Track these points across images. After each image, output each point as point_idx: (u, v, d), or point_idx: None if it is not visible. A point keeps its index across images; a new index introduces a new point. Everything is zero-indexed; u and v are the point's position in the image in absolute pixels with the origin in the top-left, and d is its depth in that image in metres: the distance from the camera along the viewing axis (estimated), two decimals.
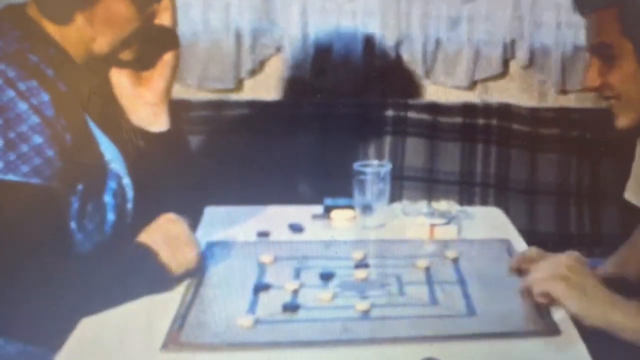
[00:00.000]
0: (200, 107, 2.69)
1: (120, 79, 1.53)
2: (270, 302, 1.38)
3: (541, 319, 1.31)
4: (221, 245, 1.60)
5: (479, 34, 2.78)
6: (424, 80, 2.81)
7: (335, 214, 1.83)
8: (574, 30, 2.76)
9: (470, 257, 1.59)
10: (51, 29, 1.42)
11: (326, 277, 1.47)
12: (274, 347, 1.23)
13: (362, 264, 1.55)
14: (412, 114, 2.71)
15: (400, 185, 2.65)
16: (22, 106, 1.32)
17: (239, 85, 2.81)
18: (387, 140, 2.70)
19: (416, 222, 1.74)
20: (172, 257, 1.38)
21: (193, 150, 1.80)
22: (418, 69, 2.78)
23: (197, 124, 2.66)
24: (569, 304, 1.30)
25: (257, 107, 2.71)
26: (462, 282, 1.47)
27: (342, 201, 1.85)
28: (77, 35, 1.42)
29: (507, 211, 2.02)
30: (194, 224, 1.49)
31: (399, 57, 2.78)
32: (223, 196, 1.78)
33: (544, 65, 2.79)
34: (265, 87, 2.82)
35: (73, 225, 1.38)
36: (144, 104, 1.53)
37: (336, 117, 2.69)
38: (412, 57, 2.78)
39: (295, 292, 1.42)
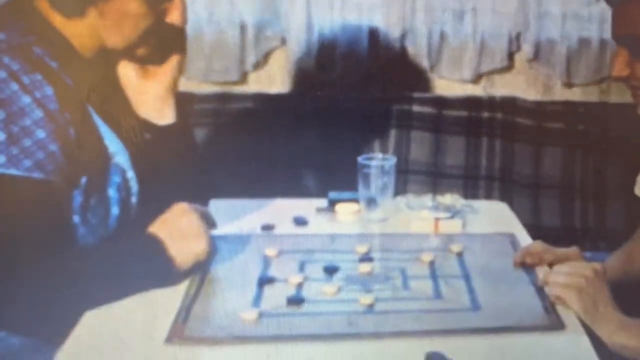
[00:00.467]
0: (204, 100, 2.69)
1: (127, 72, 1.53)
2: (275, 296, 1.38)
3: (546, 314, 1.31)
4: (225, 239, 1.60)
5: (484, 27, 2.77)
6: (429, 74, 2.80)
7: (339, 207, 1.83)
8: (579, 23, 2.75)
9: (474, 251, 1.59)
10: (58, 22, 1.41)
11: (330, 270, 1.47)
12: (278, 340, 1.23)
13: (366, 258, 1.55)
14: (416, 108, 2.71)
15: (404, 178, 2.65)
16: (26, 100, 1.32)
17: (243, 78, 2.81)
18: (392, 133, 2.69)
19: (420, 216, 1.74)
20: (179, 250, 1.38)
21: (198, 143, 1.80)
22: (423, 62, 2.77)
23: (201, 117, 2.66)
24: (580, 316, 1.32)
25: (262, 100, 2.70)
26: (466, 276, 1.46)
27: (346, 195, 1.85)
28: (88, 30, 1.42)
29: (512, 205, 2.02)
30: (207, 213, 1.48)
31: (403, 51, 2.78)
32: (227, 189, 1.78)
33: (549, 59, 2.78)
34: (270, 80, 2.82)
35: (76, 219, 1.38)
36: (151, 96, 1.53)
37: (341, 111, 2.68)
38: (416, 51, 2.77)
39: (299, 286, 1.42)
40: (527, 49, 2.79)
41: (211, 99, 2.70)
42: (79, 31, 1.42)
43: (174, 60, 1.54)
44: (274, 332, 1.25)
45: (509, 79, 2.82)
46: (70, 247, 1.37)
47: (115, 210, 1.45)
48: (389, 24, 2.75)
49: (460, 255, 1.57)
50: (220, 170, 1.87)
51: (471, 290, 1.40)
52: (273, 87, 2.80)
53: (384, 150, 2.66)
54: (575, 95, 2.82)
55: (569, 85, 2.81)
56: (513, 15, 2.76)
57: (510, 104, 2.72)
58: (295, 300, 1.36)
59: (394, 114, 2.70)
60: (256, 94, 2.73)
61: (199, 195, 1.62)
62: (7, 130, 1.29)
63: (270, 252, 1.55)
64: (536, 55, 2.78)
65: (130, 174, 1.46)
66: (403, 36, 2.76)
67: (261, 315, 1.30)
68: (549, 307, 1.33)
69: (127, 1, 1.42)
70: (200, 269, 1.43)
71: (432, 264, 1.52)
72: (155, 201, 1.47)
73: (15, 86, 1.32)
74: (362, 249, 1.59)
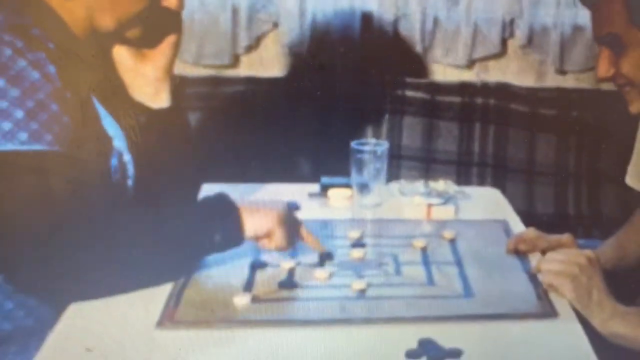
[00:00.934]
0: (196, 84, 2.68)
1: (122, 55, 1.51)
2: (267, 281, 1.37)
3: (539, 301, 1.30)
4: None
5: (478, 13, 2.76)
6: (422, 59, 2.79)
7: (332, 192, 1.82)
8: (573, 10, 2.74)
9: (467, 237, 1.59)
10: (55, 2, 1.40)
11: (325, 257, 1.46)
12: (270, 325, 1.23)
13: (358, 244, 1.54)
14: (409, 93, 2.70)
15: (397, 164, 2.64)
16: (35, 75, 1.30)
17: (235, 61, 2.79)
18: (385, 119, 2.68)
19: (413, 202, 1.74)
20: (249, 215, 1.38)
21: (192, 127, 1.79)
22: (416, 47, 2.76)
23: (193, 100, 2.64)
24: (576, 304, 1.32)
25: (254, 84, 2.69)
26: (459, 262, 1.46)
27: (338, 180, 1.84)
28: (83, 10, 1.40)
29: (505, 191, 2.02)
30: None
31: (397, 35, 2.76)
32: (220, 173, 1.77)
33: (542, 45, 2.78)
34: (262, 63, 2.80)
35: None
36: (146, 80, 1.52)
37: (333, 95, 2.67)
38: (410, 35, 2.76)
39: (291, 271, 1.41)
40: (520, 35, 2.78)
41: (203, 83, 2.69)
42: (74, 11, 1.40)
43: (169, 42, 1.53)
44: (266, 316, 1.25)
45: (502, 65, 2.82)
46: (124, 204, 1.37)
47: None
48: (382, 8, 2.73)
49: (452, 241, 1.57)
50: (212, 154, 1.86)
51: (464, 277, 1.40)
52: (265, 71, 2.78)
53: (377, 136, 2.65)
54: (568, 82, 2.81)
55: (562, 72, 2.81)
56: (507, 2, 2.75)
57: (503, 90, 2.72)
58: (288, 285, 1.35)
59: (387, 99, 2.69)
60: (248, 78, 2.71)
61: (193, 178, 1.61)
62: (24, 107, 1.27)
63: None
64: (530, 42, 2.77)
65: (127, 157, 1.46)
66: (396, 21, 2.75)
67: (253, 300, 1.29)
68: (542, 294, 1.33)
69: None
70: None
71: (424, 250, 1.52)
72: (149, 183, 1.46)
73: (23, 62, 1.30)
74: (354, 234, 1.58)
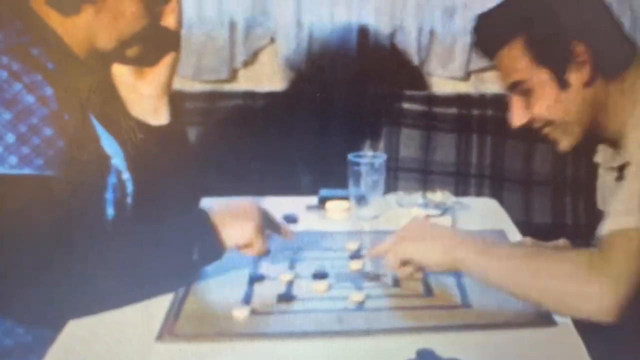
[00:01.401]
0: (194, 98, 2.68)
1: (121, 73, 1.52)
2: (265, 293, 1.38)
3: (536, 310, 1.31)
4: None
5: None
6: (419, 71, 2.80)
7: (330, 205, 1.83)
8: None
9: None
10: (54, 21, 1.40)
11: (319, 276, 1.46)
12: (268, 338, 1.23)
13: (356, 255, 1.55)
14: (407, 105, 2.70)
15: (395, 176, 2.65)
16: (30, 99, 1.30)
17: (233, 76, 2.80)
18: (382, 131, 2.69)
19: (411, 213, 1.74)
20: (228, 223, 1.39)
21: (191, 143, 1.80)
22: (413, 59, 2.77)
23: (191, 115, 2.65)
24: (424, 257, 1.35)
25: (252, 98, 2.70)
26: (456, 273, 1.46)
27: (337, 192, 1.85)
28: (83, 29, 1.41)
29: (502, 202, 2.02)
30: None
31: (393, 48, 2.77)
32: (218, 187, 1.78)
33: None
34: (260, 78, 2.81)
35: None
36: (145, 97, 1.53)
37: (330, 108, 2.68)
38: (406, 48, 2.77)
39: (290, 283, 1.42)
40: None
41: (201, 98, 2.69)
42: (74, 30, 1.41)
43: (168, 61, 1.54)
44: (264, 329, 1.25)
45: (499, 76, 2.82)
46: (102, 237, 1.35)
47: (110, 211, 1.44)
48: (378, 22, 2.75)
49: None
50: (210, 169, 1.86)
51: (461, 287, 1.40)
52: (263, 85, 2.79)
53: (374, 148, 2.66)
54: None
55: None
56: None
57: (500, 101, 2.72)
58: (286, 298, 1.36)
59: (384, 111, 2.70)
60: (246, 92, 2.72)
61: (191, 194, 1.62)
62: (16, 131, 1.28)
63: None
64: None
65: (126, 175, 1.46)
66: (393, 34, 2.76)
67: (252, 312, 1.30)
68: None
69: (124, 1, 1.41)
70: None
71: None
72: (147, 200, 1.47)
73: (18, 86, 1.30)
74: (352, 246, 1.59)
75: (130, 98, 1.53)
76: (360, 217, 1.77)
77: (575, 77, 1.40)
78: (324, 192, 1.86)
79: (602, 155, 1.56)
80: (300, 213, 1.79)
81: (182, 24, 1.52)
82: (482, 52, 1.50)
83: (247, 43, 2.75)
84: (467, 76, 2.81)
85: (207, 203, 1.67)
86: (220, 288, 1.40)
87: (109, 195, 1.43)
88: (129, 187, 1.47)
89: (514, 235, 1.67)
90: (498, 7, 1.48)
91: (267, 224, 1.45)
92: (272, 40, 2.77)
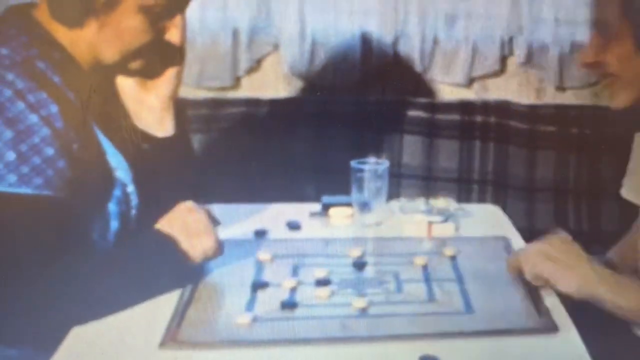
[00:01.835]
0: (197, 106, 2.69)
1: (126, 84, 1.53)
2: (269, 300, 1.38)
3: (539, 316, 1.31)
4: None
5: (477, 32, 2.77)
6: (422, 78, 2.80)
7: (333, 211, 1.83)
8: (572, 27, 2.76)
9: (468, 254, 1.59)
10: (60, 33, 1.41)
11: (322, 283, 1.46)
12: (272, 344, 1.23)
13: (359, 262, 1.55)
14: (410, 112, 2.71)
15: (398, 182, 2.65)
16: (33, 118, 1.31)
17: (236, 83, 2.81)
18: (385, 137, 2.69)
19: (414, 220, 1.74)
20: (191, 245, 1.38)
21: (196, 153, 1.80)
22: (415, 66, 2.78)
23: (195, 123, 2.65)
24: (561, 284, 1.35)
25: (255, 105, 2.70)
26: (459, 279, 1.47)
27: (340, 199, 1.85)
28: (87, 42, 1.42)
29: (505, 208, 2.02)
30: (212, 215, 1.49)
31: (396, 55, 2.78)
32: (221, 194, 1.78)
33: (542, 63, 2.79)
34: (263, 85, 2.82)
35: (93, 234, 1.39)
36: (150, 109, 1.54)
37: (333, 115, 2.68)
38: (409, 55, 2.77)
39: (293, 290, 1.42)
40: (519, 53, 2.79)
41: (204, 105, 2.70)
42: (78, 43, 1.42)
43: (172, 73, 1.54)
44: (267, 336, 1.25)
45: (502, 82, 2.83)
46: (86, 260, 1.35)
47: (114, 224, 1.44)
48: (381, 29, 2.75)
49: (453, 258, 1.57)
50: (213, 176, 1.87)
51: (464, 294, 1.40)
52: (266, 93, 2.80)
53: (377, 155, 2.66)
54: (567, 98, 2.82)
55: (561, 88, 2.82)
56: (506, 20, 2.77)
57: (503, 108, 2.73)
58: (289, 305, 1.36)
59: (387, 118, 2.70)
60: (249, 99, 2.72)
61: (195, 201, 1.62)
62: (16, 150, 1.28)
63: (264, 256, 1.55)
64: (529, 59, 2.79)
65: (131, 188, 1.46)
66: (396, 41, 2.77)
67: (255, 319, 1.30)
68: (543, 309, 1.33)
69: (129, 15, 1.41)
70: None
71: (425, 267, 1.52)
72: (152, 211, 1.47)
73: (21, 105, 1.31)
74: (355, 253, 1.59)
75: (136, 110, 1.54)
76: (363, 223, 1.77)
77: None
78: (326, 198, 1.86)
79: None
80: (304, 220, 1.79)
81: (186, 38, 1.53)
82: None
83: (251, 50, 2.76)
84: (470, 83, 2.81)
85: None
86: (224, 295, 1.40)
87: (113, 208, 1.44)
88: (134, 200, 1.47)
89: (517, 241, 1.67)
90: None
91: (214, 224, 1.45)
92: (276, 47, 2.78)
